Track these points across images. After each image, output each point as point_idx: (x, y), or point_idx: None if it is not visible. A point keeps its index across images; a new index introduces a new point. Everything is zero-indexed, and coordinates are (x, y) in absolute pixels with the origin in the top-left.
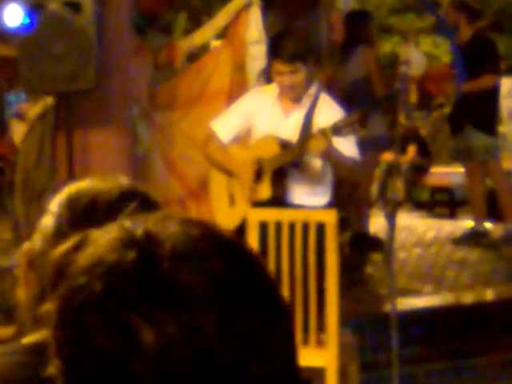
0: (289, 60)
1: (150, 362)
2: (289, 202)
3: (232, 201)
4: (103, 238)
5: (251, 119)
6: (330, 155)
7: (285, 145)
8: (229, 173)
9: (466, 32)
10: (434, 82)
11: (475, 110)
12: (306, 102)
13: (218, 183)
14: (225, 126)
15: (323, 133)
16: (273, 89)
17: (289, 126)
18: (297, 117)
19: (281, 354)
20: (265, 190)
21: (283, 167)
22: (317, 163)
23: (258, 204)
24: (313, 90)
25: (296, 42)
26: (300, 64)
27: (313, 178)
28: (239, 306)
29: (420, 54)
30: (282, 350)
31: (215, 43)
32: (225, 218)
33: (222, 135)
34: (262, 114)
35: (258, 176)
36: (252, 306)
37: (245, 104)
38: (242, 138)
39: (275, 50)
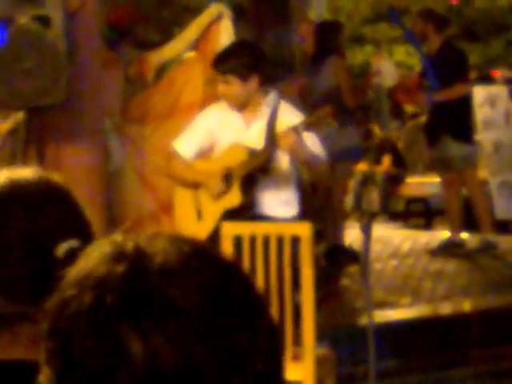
0: (220, 70)
1: (138, 374)
2: (259, 213)
3: (199, 215)
4: (94, 252)
5: (213, 134)
6: (300, 152)
7: (252, 151)
8: (195, 186)
9: (434, 42)
10: (406, 92)
11: (451, 119)
12: (266, 110)
13: (184, 199)
14: (187, 143)
15: (294, 129)
16: None
17: (251, 136)
18: (258, 126)
19: (267, 368)
20: (235, 197)
21: (252, 174)
22: (284, 168)
23: (228, 212)
24: (271, 97)
25: (230, 53)
26: (232, 76)
27: (280, 184)
28: (227, 321)
29: (392, 65)
30: (268, 364)
31: (188, 55)
32: (192, 233)
33: (184, 153)
34: (223, 127)
35: (227, 184)
36: (240, 321)
37: (205, 120)
38: (205, 154)
39: (215, 58)
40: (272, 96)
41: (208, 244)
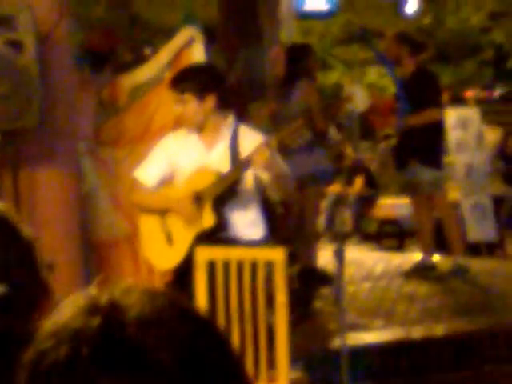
0: (176, 88)
1: None
2: (228, 235)
3: (170, 240)
4: (69, 305)
5: (173, 161)
6: (273, 166)
7: (220, 173)
8: (163, 212)
9: (408, 65)
10: (379, 115)
11: (419, 144)
12: (226, 133)
13: (151, 225)
14: (148, 172)
15: (267, 144)
16: None
17: (214, 159)
18: (220, 148)
19: None
20: (208, 219)
21: (221, 196)
22: (249, 189)
23: (201, 234)
24: (229, 120)
25: (187, 73)
26: (189, 95)
27: (246, 205)
28: (200, 374)
29: (363, 89)
30: None
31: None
32: (164, 258)
33: (147, 182)
34: (183, 153)
35: (199, 206)
36: (213, 374)
37: (164, 148)
38: (167, 182)
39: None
40: (231, 119)
41: (181, 297)
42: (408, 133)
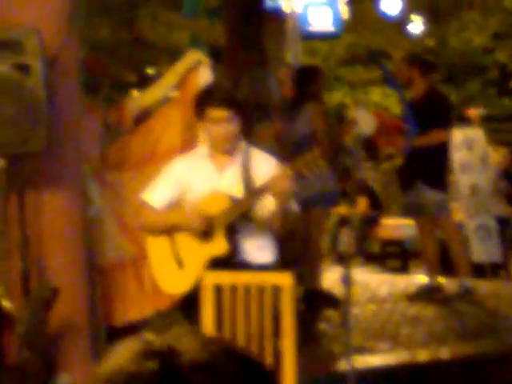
0: (225, 105)
1: None
2: (239, 259)
3: (180, 264)
4: (123, 350)
5: (183, 184)
6: (287, 197)
7: (234, 199)
8: (171, 234)
9: (420, 86)
10: (383, 133)
11: (425, 165)
12: (238, 155)
13: (160, 248)
14: (156, 195)
15: (286, 173)
16: (201, 149)
17: (225, 182)
18: (232, 171)
19: None
20: (221, 246)
21: (234, 222)
22: (264, 216)
23: (214, 260)
24: (241, 144)
25: (231, 90)
26: (234, 112)
27: (258, 230)
28: None
29: (368, 115)
30: None
31: (175, 94)
32: (174, 281)
33: (154, 204)
34: (194, 176)
35: (210, 231)
36: None
37: (173, 171)
38: (175, 205)
39: (210, 97)
40: (242, 143)
41: (231, 343)
42: (414, 154)
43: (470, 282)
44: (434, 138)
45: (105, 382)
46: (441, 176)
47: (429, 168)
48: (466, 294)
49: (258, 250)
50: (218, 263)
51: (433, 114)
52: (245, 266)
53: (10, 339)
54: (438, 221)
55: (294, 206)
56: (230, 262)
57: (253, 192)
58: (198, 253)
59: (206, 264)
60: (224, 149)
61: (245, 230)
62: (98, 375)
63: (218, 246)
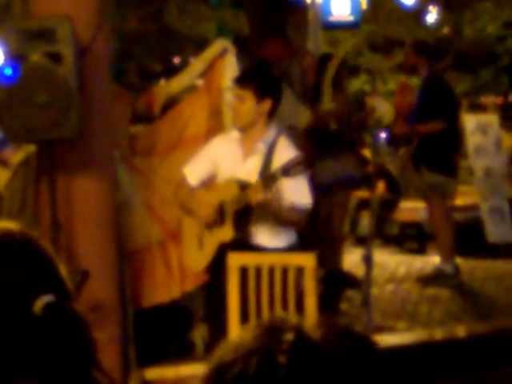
0: (242, 84)
1: None
2: (252, 244)
3: (200, 244)
4: (251, 328)
5: (215, 164)
6: (267, 207)
7: (244, 187)
8: (193, 215)
9: (424, 73)
10: (401, 121)
11: (428, 149)
12: (264, 146)
13: (190, 227)
14: (193, 170)
15: (269, 178)
16: (235, 134)
17: (246, 170)
18: (254, 160)
19: None
20: (226, 233)
21: (245, 208)
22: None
23: (223, 246)
24: (271, 132)
25: (253, 71)
26: (250, 92)
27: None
28: None
29: (387, 104)
30: None
31: (199, 82)
32: (194, 260)
33: (190, 179)
34: (224, 158)
35: (221, 217)
36: None
37: (210, 149)
38: (210, 182)
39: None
40: (271, 131)
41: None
42: (422, 138)
43: (450, 267)
44: (430, 128)
45: (234, 352)
46: (444, 160)
47: (431, 152)
48: (442, 278)
49: (273, 234)
50: (232, 247)
51: (432, 101)
52: (258, 249)
53: None
54: (431, 203)
55: (305, 202)
56: (243, 246)
57: (262, 182)
58: (213, 236)
59: (218, 248)
60: (236, 126)
61: (259, 215)
62: (225, 349)
63: (225, 232)
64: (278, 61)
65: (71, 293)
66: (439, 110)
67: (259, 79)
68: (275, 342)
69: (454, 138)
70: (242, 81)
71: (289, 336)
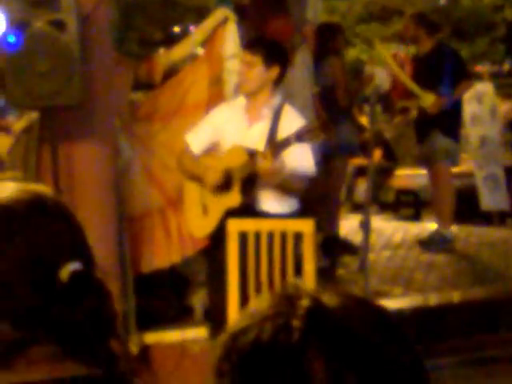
0: (250, 49)
1: None
2: (257, 210)
3: (205, 210)
4: (267, 295)
5: (219, 131)
6: (275, 174)
7: (252, 154)
8: (199, 180)
9: (425, 43)
10: (398, 90)
11: (442, 114)
12: (270, 112)
13: (192, 193)
14: (196, 137)
15: (274, 148)
16: (241, 100)
17: (251, 137)
18: (259, 127)
19: None
20: (234, 198)
21: (252, 175)
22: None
23: (229, 212)
24: (276, 100)
25: (263, 38)
26: (259, 58)
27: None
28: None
29: (384, 72)
30: None
31: (200, 51)
32: (198, 226)
33: (193, 146)
34: (229, 125)
35: (228, 185)
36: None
37: (214, 117)
38: (213, 150)
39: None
40: (277, 99)
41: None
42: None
43: (449, 233)
44: (462, 89)
45: (249, 318)
46: (455, 126)
47: (445, 117)
48: (440, 243)
49: (277, 201)
50: (238, 213)
51: (455, 67)
52: (263, 215)
53: None
54: (439, 168)
55: (308, 169)
56: (249, 212)
57: (273, 148)
58: (219, 202)
59: (224, 214)
60: (243, 92)
61: (265, 181)
62: (241, 315)
63: (232, 198)
64: (282, 41)
65: (96, 262)
66: (463, 73)
67: (268, 45)
68: (290, 307)
69: (460, 103)
70: (251, 46)
71: (304, 302)
